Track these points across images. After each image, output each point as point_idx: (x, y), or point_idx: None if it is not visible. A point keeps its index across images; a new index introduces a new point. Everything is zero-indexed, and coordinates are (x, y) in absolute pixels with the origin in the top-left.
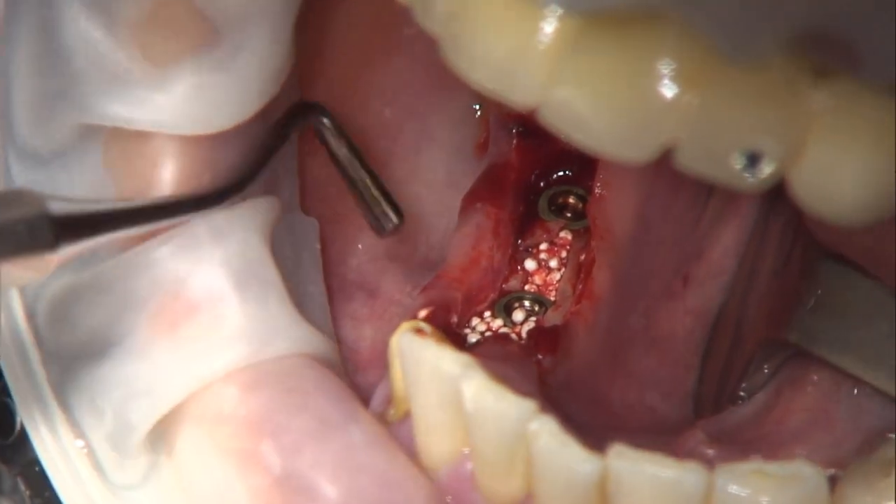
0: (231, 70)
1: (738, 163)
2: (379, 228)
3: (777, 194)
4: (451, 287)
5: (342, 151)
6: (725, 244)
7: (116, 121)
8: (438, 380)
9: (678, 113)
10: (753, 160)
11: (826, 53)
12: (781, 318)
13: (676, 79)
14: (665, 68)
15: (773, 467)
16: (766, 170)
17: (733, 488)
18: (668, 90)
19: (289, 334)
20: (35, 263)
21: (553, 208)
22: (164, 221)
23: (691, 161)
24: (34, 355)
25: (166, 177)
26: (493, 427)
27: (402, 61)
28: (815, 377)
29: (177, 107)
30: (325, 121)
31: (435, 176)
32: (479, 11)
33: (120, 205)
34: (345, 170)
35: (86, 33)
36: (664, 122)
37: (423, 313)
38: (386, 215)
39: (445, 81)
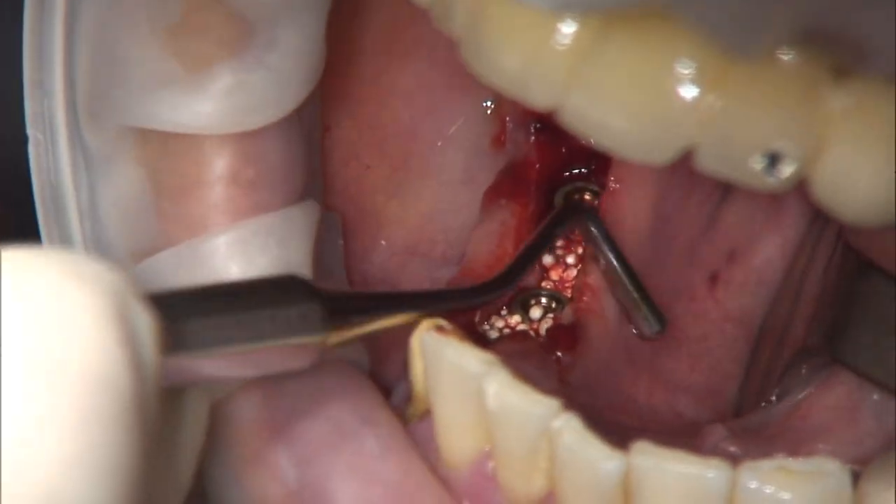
0: (267, 67)
1: (758, 164)
2: (640, 332)
3: None
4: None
5: (608, 256)
6: (768, 253)
7: (155, 123)
8: (460, 378)
9: (698, 115)
10: (774, 161)
11: (838, 51)
12: (819, 325)
13: (696, 80)
14: (684, 69)
15: (796, 464)
16: (787, 170)
17: (757, 485)
18: (688, 92)
19: None
20: (302, 350)
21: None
22: (433, 309)
23: (711, 163)
24: None
25: (210, 174)
26: (515, 425)
27: (419, 61)
28: (843, 379)
29: (216, 108)
30: (594, 228)
31: (451, 173)
32: (498, 14)
33: (389, 292)
34: (609, 272)
35: (122, 36)
36: (684, 125)
37: None
38: (647, 321)
39: (460, 80)
